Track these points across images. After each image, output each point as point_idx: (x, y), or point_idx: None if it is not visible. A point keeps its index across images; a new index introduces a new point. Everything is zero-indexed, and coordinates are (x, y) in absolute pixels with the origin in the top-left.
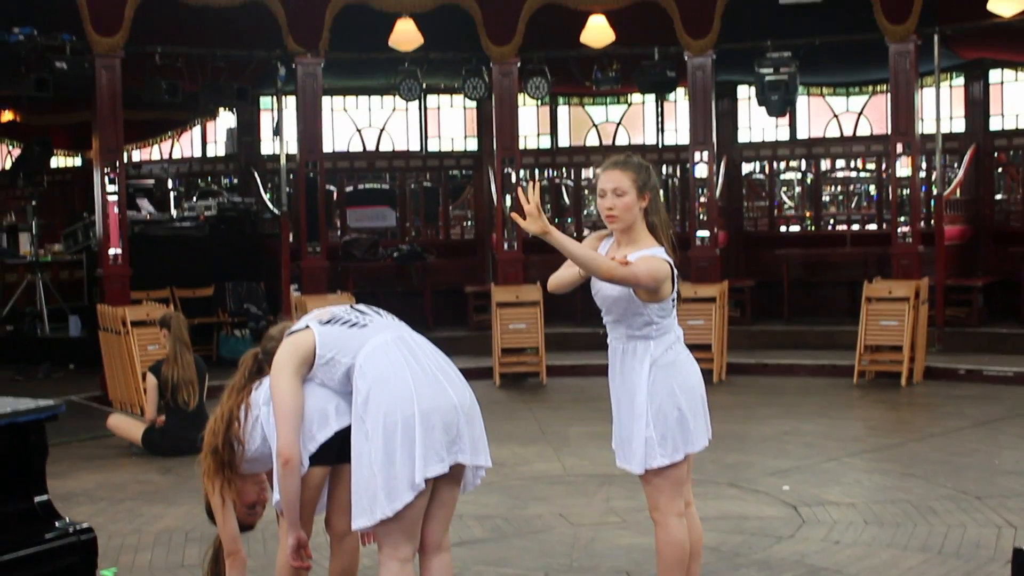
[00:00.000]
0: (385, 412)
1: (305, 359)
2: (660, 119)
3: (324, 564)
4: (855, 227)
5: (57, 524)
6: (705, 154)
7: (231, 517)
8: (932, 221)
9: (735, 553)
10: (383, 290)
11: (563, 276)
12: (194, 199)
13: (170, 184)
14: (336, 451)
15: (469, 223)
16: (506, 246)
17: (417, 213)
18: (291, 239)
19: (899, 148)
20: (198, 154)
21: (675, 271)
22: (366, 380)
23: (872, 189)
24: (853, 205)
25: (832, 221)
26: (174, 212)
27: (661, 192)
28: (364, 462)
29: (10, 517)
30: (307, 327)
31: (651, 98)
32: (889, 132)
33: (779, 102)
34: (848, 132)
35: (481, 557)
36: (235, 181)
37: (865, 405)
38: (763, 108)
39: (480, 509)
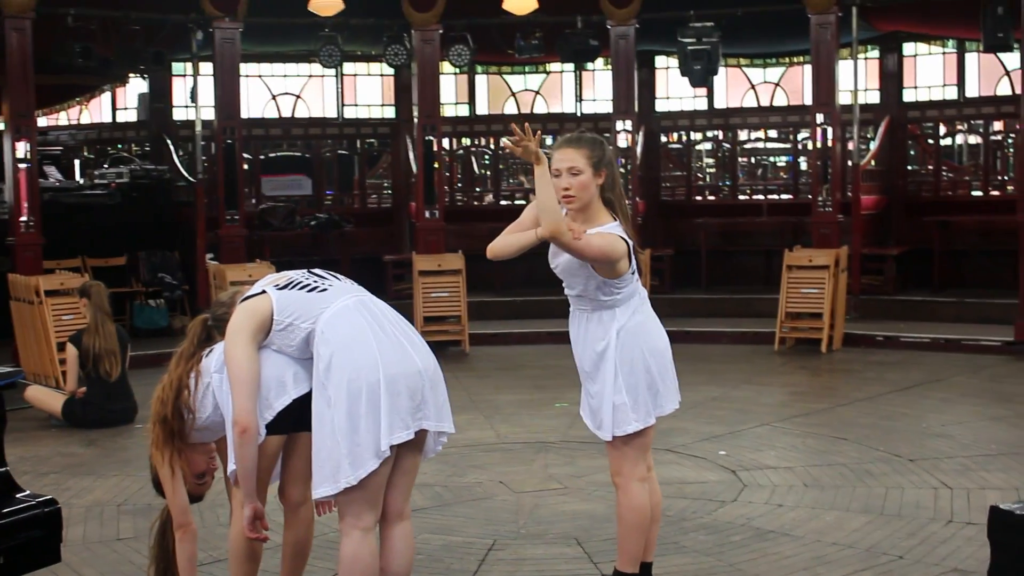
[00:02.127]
0: (349, 378)
1: (261, 325)
2: (579, 88)
3: (277, 540)
4: (771, 197)
5: (18, 496)
6: (628, 123)
7: (181, 488)
8: (849, 191)
9: (681, 518)
10: (300, 259)
11: (512, 241)
12: (105, 166)
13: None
14: (293, 419)
15: (386, 192)
16: (427, 214)
17: (332, 182)
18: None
19: (820, 118)
20: (108, 120)
21: (631, 245)
22: (328, 345)
23: (787, 160)
24: (769, 175)
25: (748, 191)
26: (82, 180)
27: (617, 165)
28: (327, 430)
29: None
30: (263, 292)
31: (569, 67)
32: (808, 103)
33: (702, 72)
34: (765, 103)
35: (425, 526)
36: (147, 148)
37: (789, 371)
38: (685, 78)
39: (419, 477)
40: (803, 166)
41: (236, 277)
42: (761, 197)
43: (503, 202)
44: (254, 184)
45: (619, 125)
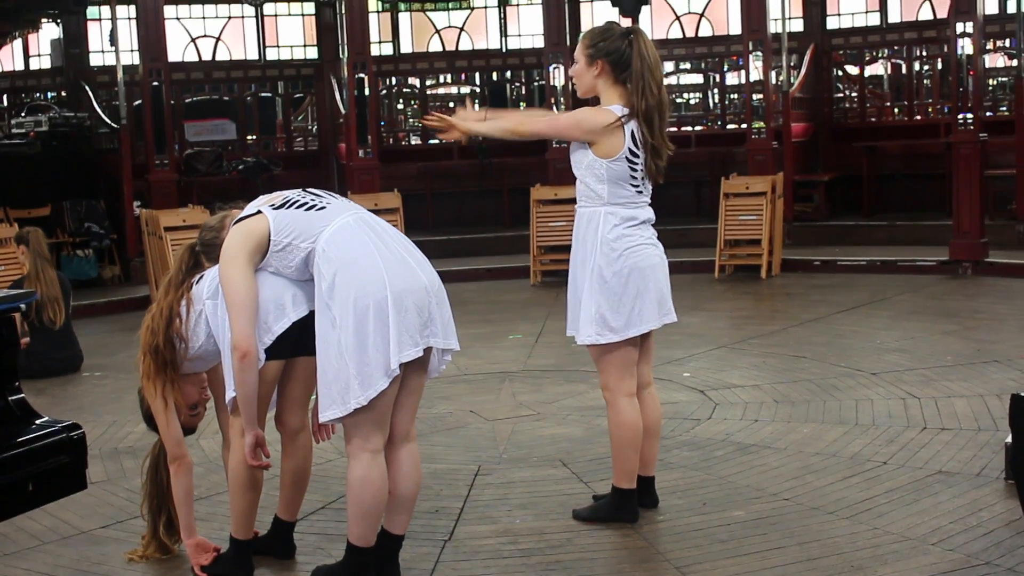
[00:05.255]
0: (355, 296)
1: (258, 246)
2: (503, 24)
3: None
4: (697, 128)
5: (38, 423)
6: (561, 57)
7: (174, 420)
8: (780, 119)
9: (662, 436)
10: (229, 204)
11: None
12: (22, 115)
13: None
14: (291, 343)
15: (312, 135)
16: (361, 153)
17: (254, 125)
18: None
19: (751, 46)
20: (20, 68)
21: (629, 131)
22: (331, 264)
23: (713, 91)
24: (696, 105)
25: (677, 122)
26: None
27: (640, 58)
28: (333, 350)
29: None
30: (258, 212)
31: (493, 2)
32: (732, 33)
33: (633, 1)
34: (690, 33)
35: None
36: (63, 95)
37: (733, 297)
38: (616, 8)
39: None
40: (715, 99)
41: (170, 223)
42: (689, 129)
43: (431, 141)
44: (177, 130)
45: (552, 59)
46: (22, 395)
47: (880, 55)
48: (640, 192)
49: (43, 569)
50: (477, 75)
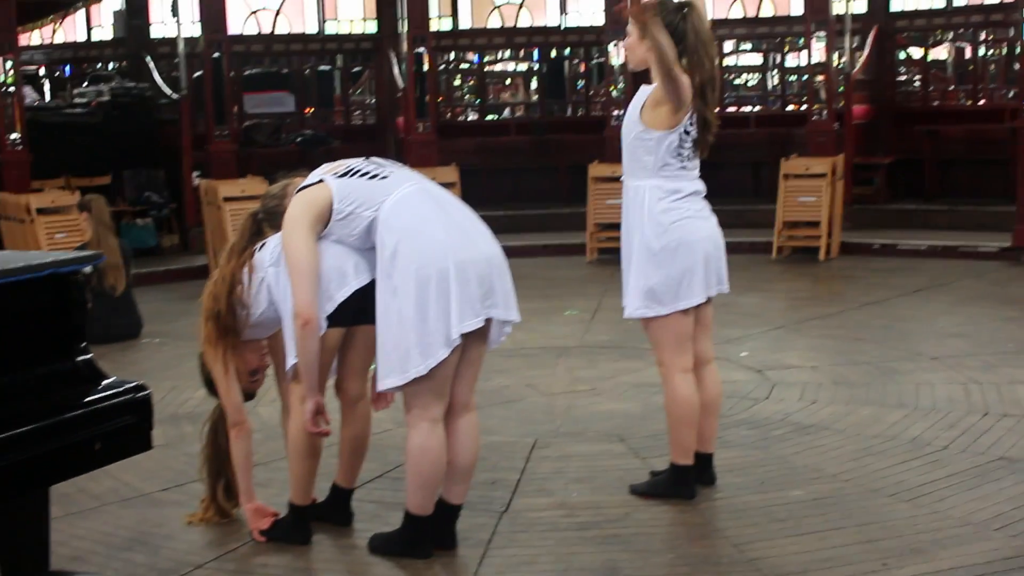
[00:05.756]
0: (417, 265)
1: (320, 215)
2: (563, 0)
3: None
4: (757, 109)
5: (105, 383)
6: (621, 35)
7: (235, 386)
8: (841, 101)
9: (720, 414)
10: (292, 172)
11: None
12: (85, 85)
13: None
14: (352, 312)
15: (370, 109)
16: (419, 127)
17: (312, 98)
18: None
19: (813, 27)
20: (83, 39)
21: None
22: (393, 233)
23: (772, 72)
24: (755, 85)
25: (736, 102)
26: (59, 99)
27: (692, 30)
28: (393, 319)
29: (54, 377)
30: (321, 181)
31: None
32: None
33: None
34: (751, 14)
35: None
36: (125, 66)
37: (791, 278)
38: None
39: None
40: (775, 80)
41: (229, 192)
42: (748, 109)
43: (488, 117)
44: (237, 101)
45: (612, 39)
46: (90, 356)
47: (944, 38)
48: (685, 167)
49: (104, 529)
50: (535, 52)
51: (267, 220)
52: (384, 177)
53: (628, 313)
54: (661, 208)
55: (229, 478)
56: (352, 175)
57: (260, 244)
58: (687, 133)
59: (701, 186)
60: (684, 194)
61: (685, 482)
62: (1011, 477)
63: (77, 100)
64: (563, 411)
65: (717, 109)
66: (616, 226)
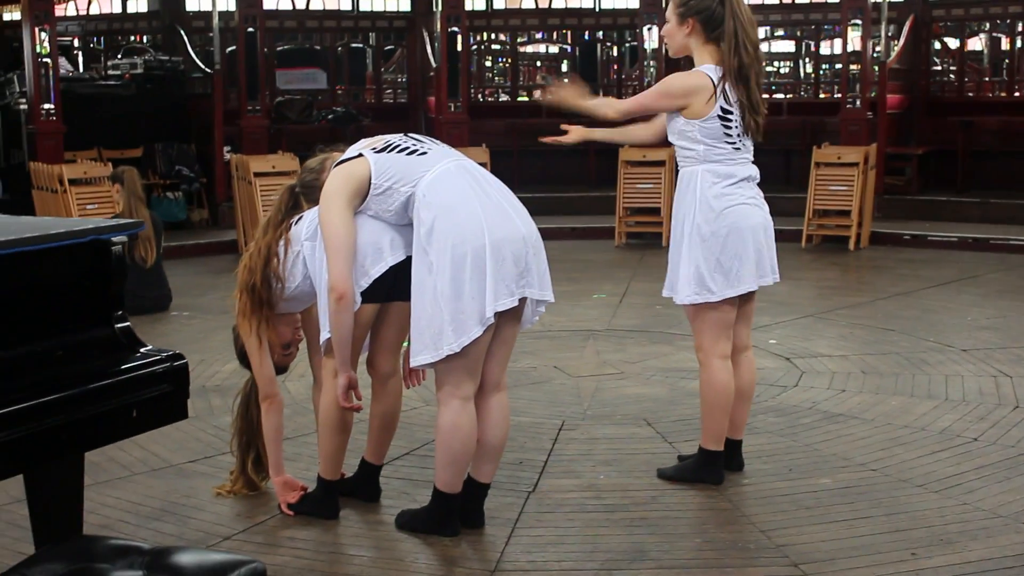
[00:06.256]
0: (454, 243)
1: (358, 189)
2: None
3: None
4: (789, 96)
5: (142, 351)
6: (656, 18)
7: (267, 359)
8: (875, 90)
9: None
10: (331, 147)
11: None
12: (118, 57)
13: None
14: (387, 287)
15: (402, 87)
16: (451, 107)
17: (344, 75)
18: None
19: (849, 15)
20: (117, 11)
21: (720, 91)
22: (430, 209)
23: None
24: (788, 73)
25: (768, 89)
26: (92, 71)
27: (733, 17)
28: (428, 296)
29: (93, 344)
30: (359, 155)
31: None
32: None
33: None
34: (787, 0)
35: None
36: (159, 39)
37: (821, 267)
38: None
39: None
40: (809, 67)
41: (259, 168)
42: (781, 96)
43: (520, 98)
44: (269, 77)
45: (647, 21)
46: (128, 323)
47: (981, 28)
48: (738, 149)
49: (133, 499)
50: (568, 34)
51: (304, 193)
52: (423, 153)
53: (680, 300)
54: (713, 193)
55: (259, 451)
56: (391, 150)
57: (297, 217)
58: (728, 115)
59: (755, 171)
60: (737, 179)
61: (714, 467)
62: None
63: (111, 72)
64: (590, 394)
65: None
66: (646, 210)
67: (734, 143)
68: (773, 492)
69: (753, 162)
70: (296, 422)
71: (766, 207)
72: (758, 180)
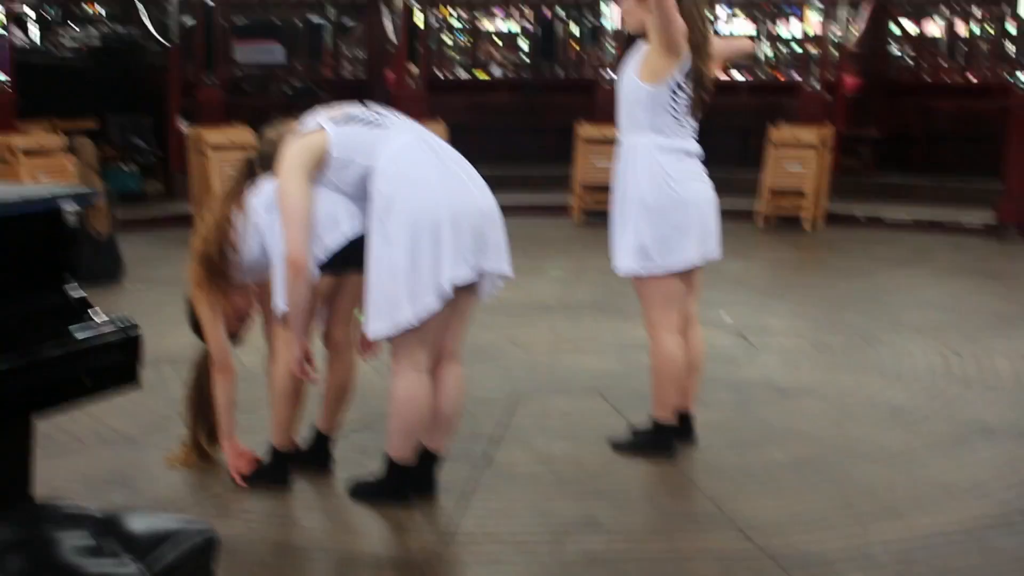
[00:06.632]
0: (412, 215)
1: (317, 161)
2: None
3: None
4: (748, 77)
5: (95, 319)
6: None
7: (221, 329)
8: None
9: (702, 375)
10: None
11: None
12: (74, 28)
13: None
14: (343, 259)
15: (361, 63)
16: (410, 83)
17: (302, 50)
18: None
19: None
20: None
21: (687, 63)
22: (389, 182)
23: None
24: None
25: (726, 69)
26: (41, 42)
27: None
28: (385, 267)
29: (46, 311)
30: (319, 127)
31: None
32: None
33: None
34: None
35: None
36: (115, 10)
37: (776, 247)
38: None
39: None
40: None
41: (216, 141)
42: (738, 78)
43: (478, 74)
44: (226, 50)
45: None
46: (81, 291)
47: (939, 14)
48: (681, 125)
49: (84, 469)
50: (529, 12)
51: (262, 164)
52: (382, 126)
53: (622, 271)
54: (659, 165)
55: (212, 422)
56: (350, 122)
57: (253, 188)
58: (680, 89)
59: (697, 148)
60: (681, 152)
61: (666, 439)
62: (988, 445)
63: (66, 43)
64: (545, 367)
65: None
66: (604, 188)
67: (679, 117)
68: (724, 464)
69: (696, 140)
70: (249, 393)
71: (709, 182)
72: (702, 157)
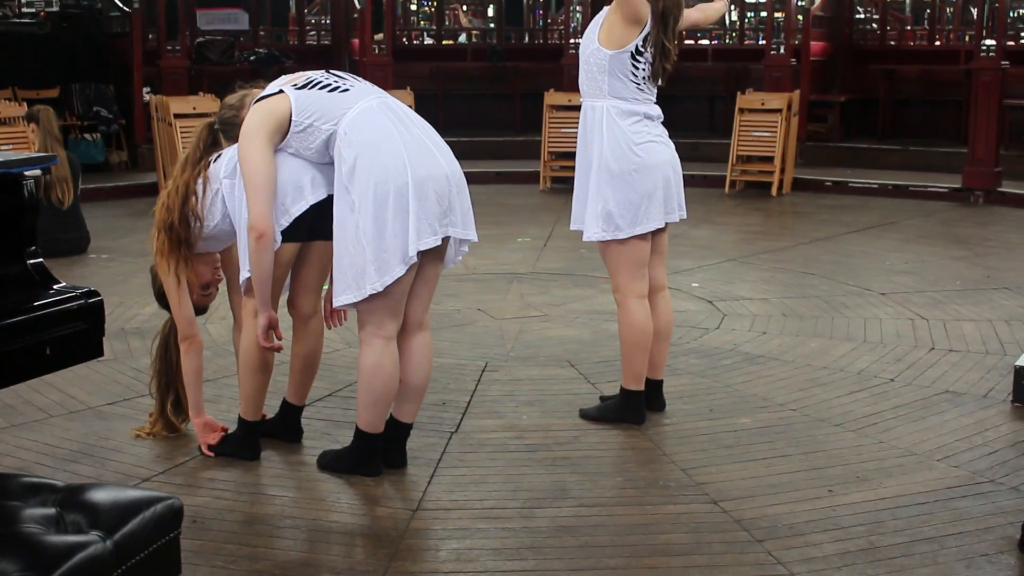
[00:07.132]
0: (376, 181)
1: (279, 126)
2: None
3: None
4: (714, 43)
5: (56, 288)
6: None
7: (186, 299)
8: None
9: (671, 342)
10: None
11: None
12: None
13: None
14: (308, 227)
15: (326, 29)
16: (376, 50)
17: (266, 17)
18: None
19: None
20: None
21: (651, 35)
22: (352, 147)
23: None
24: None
25: (693, 36)
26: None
27: None
28: (350, 235)
29: (5, 280)
30: (280, 91)
31: None
32: None
33: None
34: None
35: None
36: None
37: (743, 213)
38: None
39: None
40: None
41: (180, 109)
42: (706, 43)
43: (445, 42)
44: (189, 17)
45: None
46: (40, 260)
47: None
48: (642, 89)
49: (51, 441)
50: None
51: (224, 130)
52: (345, 90)
53: (587, 236)
54: (622, 130)
55: (179, 392)
56: (312, 87)
57: (216, 155)
58: (639, 54)
59: (658, 112)
60: (641, 116)
61: (635, 407)
62: (954, 410)
63: (25, 10)
64: (514, 336)
65: (676, 41)
66: (571, 155)
67: (639, 83)
68: (694, 432)
69: (656, 103)
70: (216, 363)
71: (672, 145)
72: (662, 119)
